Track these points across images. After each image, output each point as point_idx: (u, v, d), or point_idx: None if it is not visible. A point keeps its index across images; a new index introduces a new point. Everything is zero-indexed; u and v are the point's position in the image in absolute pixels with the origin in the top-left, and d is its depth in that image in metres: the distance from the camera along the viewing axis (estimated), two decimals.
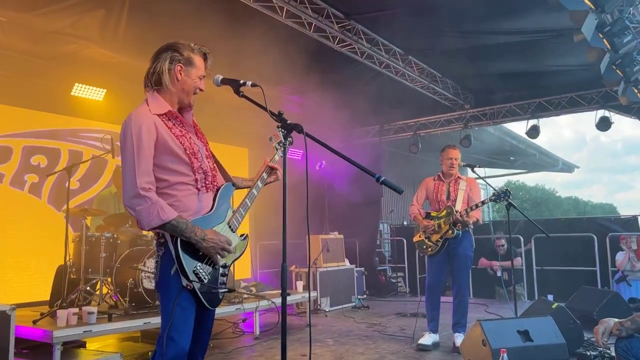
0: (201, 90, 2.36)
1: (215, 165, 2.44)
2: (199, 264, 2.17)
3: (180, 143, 2.24)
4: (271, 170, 2.55)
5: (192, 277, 2.11)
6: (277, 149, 2.51)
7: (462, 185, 4.91)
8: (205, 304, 2.16)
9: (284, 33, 5.98)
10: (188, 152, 2.25)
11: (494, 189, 4.71)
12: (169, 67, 2.26)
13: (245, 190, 2.54)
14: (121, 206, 5.93)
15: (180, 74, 2.29)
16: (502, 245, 8.07)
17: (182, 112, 2.36)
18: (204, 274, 2.17)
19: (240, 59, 5.82)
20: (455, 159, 4.98)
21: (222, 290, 2.25)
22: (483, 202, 4.74)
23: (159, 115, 2.23)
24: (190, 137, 2.31)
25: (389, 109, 9.25)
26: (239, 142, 9.10)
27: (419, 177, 13.37)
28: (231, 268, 6.75)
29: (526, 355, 3.52)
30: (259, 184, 2.49)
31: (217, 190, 2.38)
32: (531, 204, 39.09)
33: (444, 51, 7.10)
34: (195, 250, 2.16)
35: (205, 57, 2.37)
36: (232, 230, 2.35)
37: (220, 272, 2.27)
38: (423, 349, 4.75)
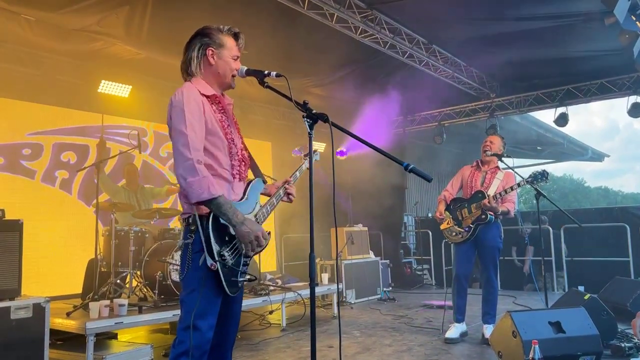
0: (236, 70, 2.35)
1: (249, 158, 2.45)
2: (226, 248, 2.16)
3: (222, 127, 2.26)
4: (286, 191, 2.54)
5: (217, 257, 2.10)
6: (303, 160, 2.63)
7: (500, 175, 4.84)
8: (225, 287, 2.14)
9: (308, 25, 5.95)
10: (228, 138, 2.27)
11: (522, 178, 4.61)
12: (197, 54, 2.28)
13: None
14: (132, 199, 5.98)
15: (213, 57, 2.29)
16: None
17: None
18: (228, 258, 2.16)
19: (263, 52, 5.81)
20: (491, 142, 4.92)
21: (242, 279, 2.23)
22: (519, 185, 4.65)
23: (205, 95, 2.25)
24: (229, 125, 2.32)
25: (412, 99, 9.12)
26: (262, 137, 9.12)
27: (440, 170, 13.27)
28: (257, 260, 6.69)
29: (558, 347, 3.43)
30: (274, 200, 2.50)
31: (249, 182, 2.40)
32: (559, 195, 38.27)
33: (469, 39, 6.95)
34: (223, 235, 2.15)
35: (236, 37, 2.36)
36: (258, 223, 2.35)
37: (243, 261, 2.25)
38: (451, 342, 4.71)
